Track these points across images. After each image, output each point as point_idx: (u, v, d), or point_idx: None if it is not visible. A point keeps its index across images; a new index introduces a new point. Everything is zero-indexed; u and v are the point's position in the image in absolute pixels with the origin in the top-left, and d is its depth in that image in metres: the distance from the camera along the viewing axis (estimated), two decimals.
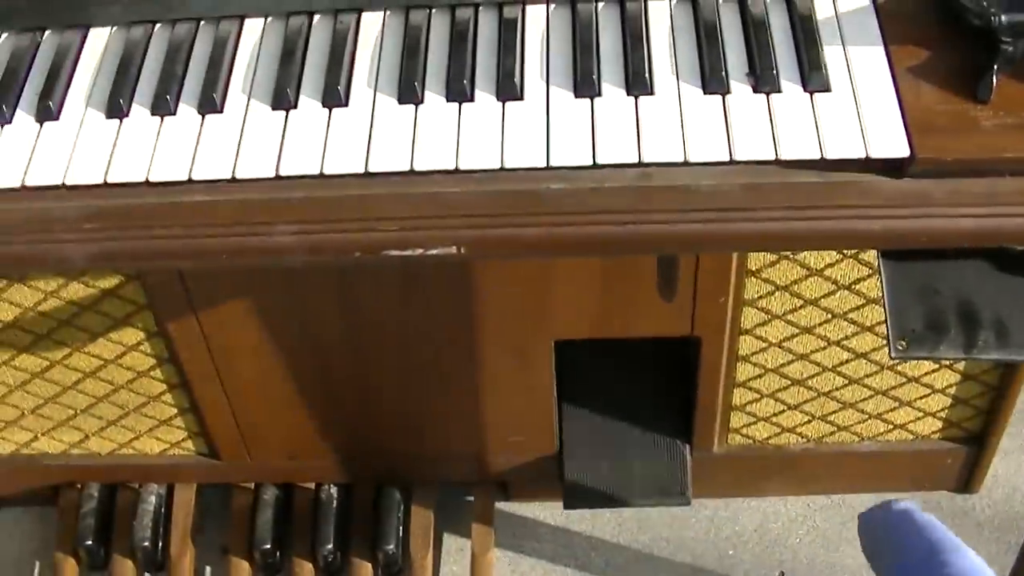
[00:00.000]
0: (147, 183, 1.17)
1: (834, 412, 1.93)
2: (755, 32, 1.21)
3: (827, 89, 1.18)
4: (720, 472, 2.01)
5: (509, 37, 1.23)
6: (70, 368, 1.83)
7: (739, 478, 2.03)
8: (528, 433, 1.94)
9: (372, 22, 1.26)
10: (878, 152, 1.13)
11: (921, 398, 1.91)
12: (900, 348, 1.28)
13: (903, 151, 1.13)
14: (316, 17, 1.27)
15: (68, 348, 1.79)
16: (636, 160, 1.14)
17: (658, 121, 1.16)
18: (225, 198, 1.17)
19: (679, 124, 1.16)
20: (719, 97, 1.18)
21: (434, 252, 1.16)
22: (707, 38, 1.21)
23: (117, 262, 1.23)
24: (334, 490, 2.00)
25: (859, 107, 1.16)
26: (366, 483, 2.00)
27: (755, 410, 1.92)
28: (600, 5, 1.26)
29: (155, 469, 2.01)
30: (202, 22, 1.28)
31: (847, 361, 1.84)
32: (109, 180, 1.16)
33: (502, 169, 1.14)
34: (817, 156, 1.13)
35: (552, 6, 1.26)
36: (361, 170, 1.15)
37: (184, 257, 1.18)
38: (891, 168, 1.15)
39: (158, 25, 1.28)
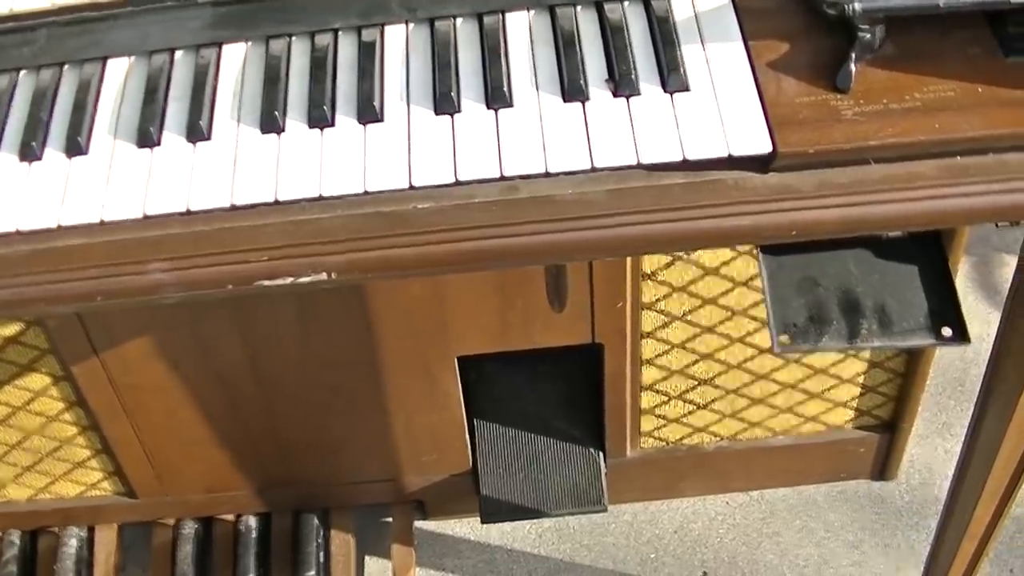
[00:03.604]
0: (17, 233, 1.16)
1: (744, 409, 1.94)
2: (613, 37, 1.22)
3: (686, 89, 1.19)
4: (636, 476, 2.01)
5: (368, 60, 1.23)
6: None
7: (655, 481, 2.04)
8: (441, 451, 1.94)
9: (234, 54, 1.26)
10: (740, 150, 1.14)
11: (830, 389, 1.93)
12: (783, 343, 1.29)
13: (765, 147, 1.14)
14: (178, 54, 1.27)
15: None
16: (498, 175, 1.14)
17: (518, 133, 1.16)
18: (96, 240, 1.16)
19: (539, 135, 1.16)
20: (579, 104, 1.18)
21: (304, 280, 1.15)
22: (565, 47, 1.22)
23: None
24: (253, 520, 2.00)
25: (719, 105, 1.17)
26: (284, 511, 2.00)
27: (665, 412, 1.93)
28: (459, 22, 1.26)
29: (74, 512, 1.99)
30: (65, 66, 1.27)
31: (752, 357, 1.86)
32: None
33: (366, 193, 1.14)
34: (679, 158, 1.14)
35: (411, 26, 1.26)
36: (227, 204, 1.14)
37: (58, 301, 1.17)
38: (757, 164, 1.16)
39: (21, 72, 1.27)
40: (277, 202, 1.15)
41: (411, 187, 1.14)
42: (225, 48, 1.27)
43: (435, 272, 1.19)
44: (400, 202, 1.15)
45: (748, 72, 1.20)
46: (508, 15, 1.26)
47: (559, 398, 1.95)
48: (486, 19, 1.25)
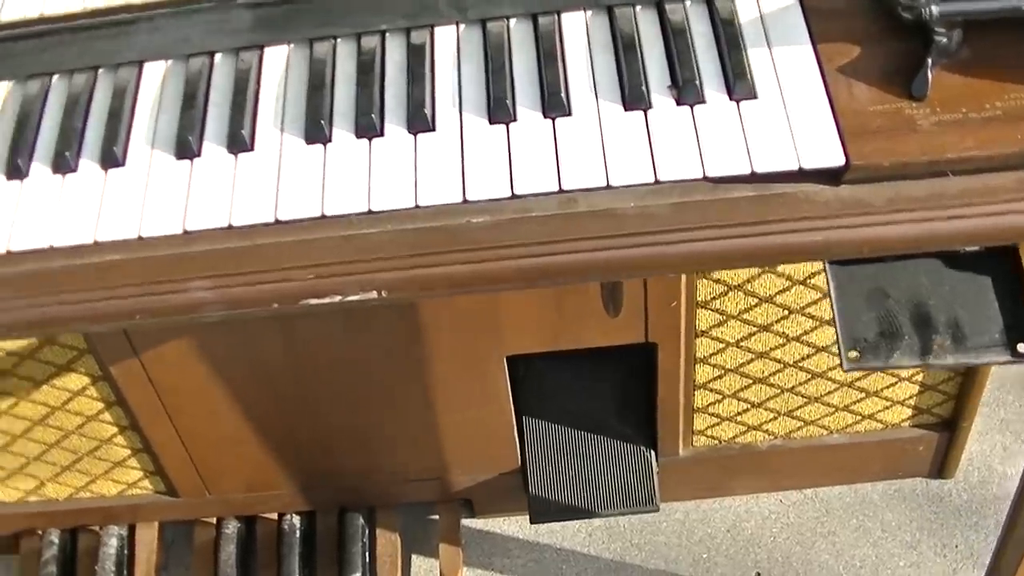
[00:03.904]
0: (51, 249, 1.11)
1: (800, 407, 1.88)
2: (675, 41, 1.16)
3: (753, 96, 1.12)
4: (688, 475, 1.96)
5: (418, 64, 1.17)
6: (17, 417, 1.78)
7: (708, 479, 1.99)
8: (489, 449, 1.89)
9: (276, 58, 1.20)
10: (811, 162, 1.08)
11: (888, 387, 1.87)
12: (853, 359, 1.23)
13: (838, 159, 1.08)
14: (217, 57, 1.21)
15: (12, 398, 1.75)
16: (557, 188, 1.08)
17: (578, 144, 1.10)
18: (135, 256, 1.11)
19: (600, 146, 1.10)
20: (640, 113, 1.12)
21: (353, 298, 1.10)
22: (625, 51, 1.15)
23: (26, 329, 1.17)
24: (296, 519, 1.96)
25: (788, 114, 1.11)
26: (329, 510, 1.96)
27: (718, 410, 1.87)
28: (512, 22, 1.20)
29: (115, 511, 1.96)
30: (100, 70, 1.22)
31: (809, 356, 1.80)
32: (11, 249, 1.11)
33: (417, 207, 1.09)
34: (747, 171, 1.08)
35: (461, 28, 1.20)
36: (271, 219, 1.09)
37: (94, 321, 1.12)
38: (827, 176, 1.09)
39: (54, 77, 1.22)
40: (324, 217, 1.10)
41: (465, 201, 1.09)
42: (267, 51, 1.21)
43: (490, 290, 1.14)
44: (453, 216, 1.10)
45: (818, 78, 1.13)
46: (564, 15, 1.20)
47: (609, 396, 1.90)
48: (541, 20, 1.19)
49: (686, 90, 1.13)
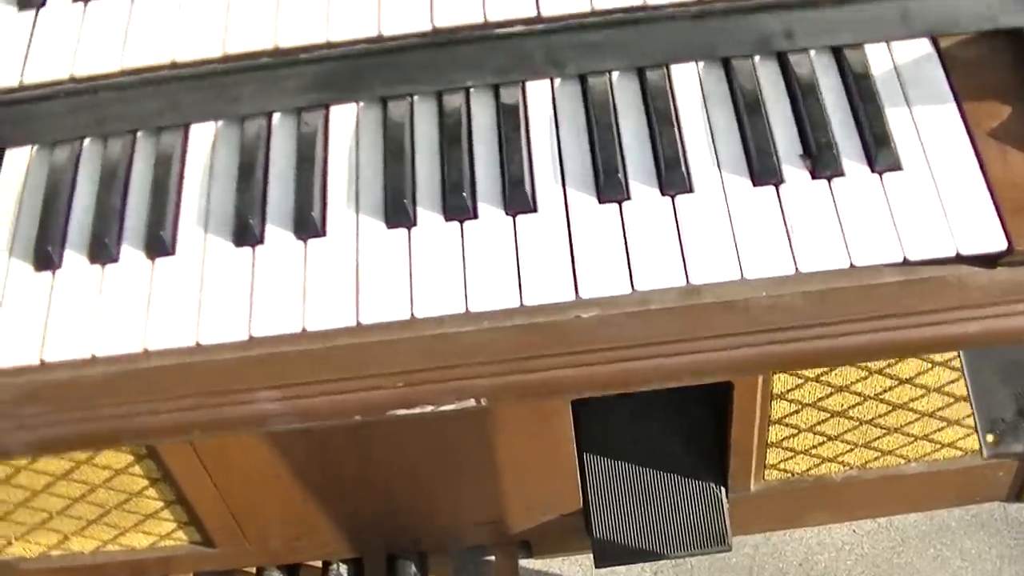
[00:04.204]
0: (93, 359, 0.96)
1: (878, 438, 1.76)
2: (805, 100, 1.01)
3: (898, 167, 0.98)
4: (759, 509, 1.84)
5: (511, 128, 1.02)
6: (38, 472, 1.65)
7: (779, 512, 1.87)
8: (550, 490, 1.76)
9: (343, 119, 1.05)
10: (969, 247, 0.94)
11: (969, 415, 1.74)
12: (991, 444, 1.10)
13: (999, 243, 0.94)
14: (276, 118, 1.06)
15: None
16: (683, 283, 0.94)
17: (704, 228, 0.96)
18: (189, 361, 0.97)
19: (729, 230, 0.96)
20: (772, 188, 0.98)
21: (447, 408, 0.96)
22: (749, 112, 1.01)
23: (61, 448, 1.03)
24: (343, 568, 1.83)
25: (939, 189, 0.97)
26: (377, 556, 1.83)
27: (793, 445, 1.75)
28: (615, 77, 1.05)
29: (146, 563, 1.82)
30: (139, 133, 1.07)
31: (890, 388, 1.67)
32: (45, 359, 0.96)
33: (522, 306, 0.94)
34: (899, 258, 0.94)
35: (557, 83, 1.05)
36: (352, 323, 0.95)
37: (144, 436, 0.98)
38: (983, 259, 0.95)
39: (86, 142, 1.06)
40: (413, 318, 0.95)
41: (577, 299, 0.95)
42: (333, 111, 1.06)
43: (602, 392, 1.00)
44: (559, 311, 0.96)
45: (967, 143, 0.99)
46: (674, 69, 1.04)
47: (675, 433, 1.76)
48: (649, 75, 1.04)
49: (822, 159, 0.98)
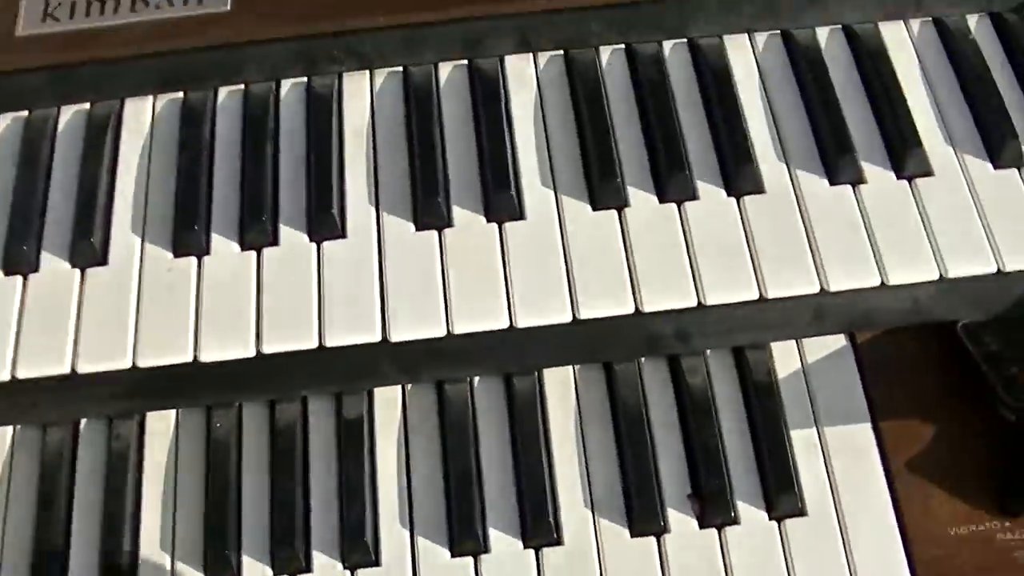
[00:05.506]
0: None
1: None
2: (698, 427, 0.87)
3: (802, 513, 0.85)
4: None
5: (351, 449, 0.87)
6: None
7: None
8: None
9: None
10: None
11: None
12: None
13: None
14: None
15: None
16: None
17: None
18: None
19: None
20: (652, 539, 0.84)
21: None
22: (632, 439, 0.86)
23: None
24: None
25: (846, 537, 0.84)
26: None
27: None
28: (475, 383, 0.90)
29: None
30: None
31: None
32: None
33: None
34: None
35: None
36: None
37: None
38: None
39: None
40: None
41: None
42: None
43: None
44: None
45: (882, 481, 0.85)
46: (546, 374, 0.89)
47: None
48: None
49: (713, 503, 0.84)
